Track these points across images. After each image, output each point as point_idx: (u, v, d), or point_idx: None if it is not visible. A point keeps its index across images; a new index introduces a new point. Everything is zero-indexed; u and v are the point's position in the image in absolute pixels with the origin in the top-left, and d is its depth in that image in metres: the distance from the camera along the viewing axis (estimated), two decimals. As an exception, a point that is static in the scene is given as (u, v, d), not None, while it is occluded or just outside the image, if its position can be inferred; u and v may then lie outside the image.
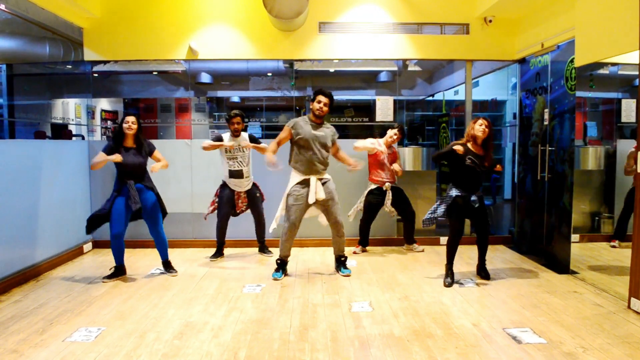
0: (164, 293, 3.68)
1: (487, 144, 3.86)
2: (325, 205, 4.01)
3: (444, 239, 5.07)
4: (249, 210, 4.72)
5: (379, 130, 5.34)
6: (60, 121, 5.43)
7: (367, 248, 5.08)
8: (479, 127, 3.79)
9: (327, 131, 4.03)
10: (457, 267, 4.40)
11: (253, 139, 4.56)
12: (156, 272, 4.24)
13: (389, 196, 4.78)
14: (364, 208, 4.85)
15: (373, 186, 4.83)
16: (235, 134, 4.49)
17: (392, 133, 4.82)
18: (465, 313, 3.23)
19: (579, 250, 4.72)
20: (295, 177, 3.97)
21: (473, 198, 3.82)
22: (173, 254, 4.90)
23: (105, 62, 5.28)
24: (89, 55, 5.13)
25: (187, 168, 5.24)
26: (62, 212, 4.65)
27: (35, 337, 2.85)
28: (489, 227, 4.01)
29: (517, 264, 4.56)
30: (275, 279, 4.00)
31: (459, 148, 3.75)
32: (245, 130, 4.68)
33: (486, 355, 2.60)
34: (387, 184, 4.78)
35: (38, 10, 4.39)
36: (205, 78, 6.18)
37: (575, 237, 4.58)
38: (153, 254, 4.16)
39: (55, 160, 4.58)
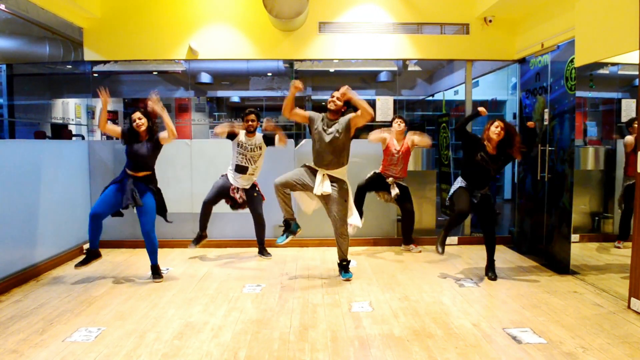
0: (164, 293, 3.68)
1: (502, 147, 3.88)
2: (327, 202, 3.96)
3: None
4: (248, 211, 4.71)
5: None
6: (60, 121, 5.44)
7: (363, 248, 5.07)
8: (494, 129, 3.85)
9: (341, 124, 3.89)
10: (457, 267, 4.41)
11: (267, 138, 4.55)
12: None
13: (394, 189, 4.74)
14: (366, 180, 4.85)
15: (379, 171, 4.85)
16: (249, 130, 4.52)
17: (395, 125, 4.82)
18: (465, 313, 3.23)
19: (579, 250, 4.72)
20: (311, 163, 4.01)
21: (475, 194, 3.88)
22: (173, 254, 4.91)
23: (105, 62, 5.27)
24: (89, 55, 5.13)
25: (187, 168, 5.24)
26: (62, 212, 4.65)
27: (35, 337, 2.85)
28: (494, 227, 4.01)
29: (517, 264, 4.56)
30: (279, 245, 4.05)
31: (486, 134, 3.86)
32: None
33: (486, 355, 2.60)
34: (390, 178, 4.77)
35: (38, 10, 4.39)
36: (205, 78, 6.19)
37: (575, 237, 4.58)
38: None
39: (55, 160, 4.58)
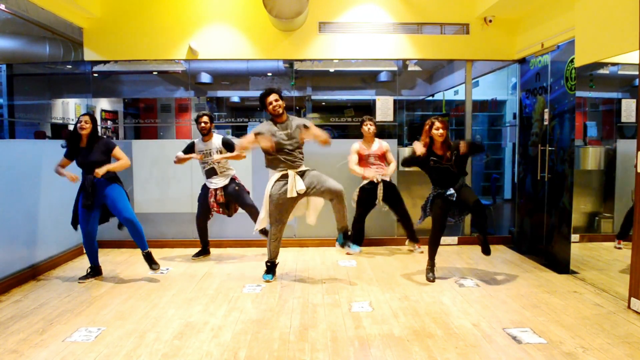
0: (164, 293, 3.68)
1: (447, 144, 3.92)
2: (311, 190, 3.86)
3: (444, 239, 5.06)
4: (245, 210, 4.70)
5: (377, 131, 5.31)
6: (60, 121, 5.43)
7: (363, 248, 5.07)
8: (435, 132, 3.88)
9: (293, 125, 3.91)
10: (457, 267, 4.41)
11: (226, 143, 4.52)
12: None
13: (380, 189, 4.69)
14: (357, 203, 4.82)
15: (365, 182, 4.78)
16: (203, 133, 4.52)
17: (365, 128, 4.80)
18: (465, 313, 3.23)
19: (579, 250, 4.72)
20: (274, 176, 3.91)
21: (449, 192, 3.88)
22: (173, 254, 4.91)
23: (105, 62, 5.28)
24: (89, 55, 5.13)
25: (187, 168, 5.23)
26: (62, 212, 4.63)
27: (35, 337, 2.85)
28: (477, 199, 3.94)
29: (517, 264, 4.56)
30: (267, 281, 3.97)
31: (421, 151, 3.88)
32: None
33: (486, 355, 2.60)
34: (378, 176, 4.73)
35: (38, 10, 4.39)
36: (205, 78, 6.18)
37: (575, 237, 4.57)
38: (153, 254, 4.15)
39: (55, 160, 4.56)
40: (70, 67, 5.31)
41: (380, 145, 4.83)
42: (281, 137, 3.86)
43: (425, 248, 5.02)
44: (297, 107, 5.88)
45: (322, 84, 6.23)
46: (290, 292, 3.71)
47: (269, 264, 4.05)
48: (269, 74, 5.89)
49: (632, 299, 3.24)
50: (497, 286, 3.83)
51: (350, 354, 2.63)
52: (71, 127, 5.47)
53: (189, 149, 4.57)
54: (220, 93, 6.76)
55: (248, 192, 4.67)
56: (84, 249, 4.00)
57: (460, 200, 3.94)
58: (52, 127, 5.36)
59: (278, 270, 4.19)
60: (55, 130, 5.37)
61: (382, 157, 4.84)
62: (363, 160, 4.82)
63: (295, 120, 3.97)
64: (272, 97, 3.86)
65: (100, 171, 3.79)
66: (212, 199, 4.53)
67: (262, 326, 3.02)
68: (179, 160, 4.53)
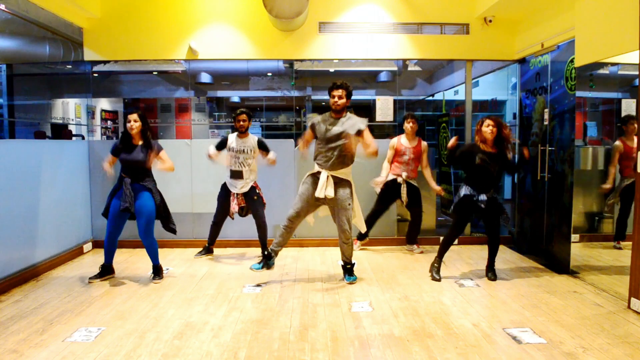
0: (164, 293, 3.68)
1: (500, 142, 3.87)
2: (332, 207, 3.88)
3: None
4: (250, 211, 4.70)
5: (377, 131, 5.32)
6: (60, 121, 5.43)
7: (367, 247, 5.07)
8: (486, 129, 3.85)
9: (347, 124, 3.78)
10: (457, 267, 4.41)
11: (262, 144, 4.49)
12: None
13: (403, 189, 4.76)
14: (378, 197, 4.88)
15: (390, 177, 4.84)
16: (241, 131, 4.47)
17: (407, 125, 4.83)
18: (465, 313, 3.23)
19: (579, 250, 4.72)
20: (313, 169, 3.90)
21: (482, 198, 3.86)
22: (173, 254, 4.91)
23: (105, 62, 5.28)
24: (89, 55, 5.13)
25: (187, 168, 5.24)
26: (62, 212, 4.65)
27: (35, 337, 2.85)
28: (499, 230, 4.02)
29: (517, 264, 4.56)
30: (251, 269, 3.94)
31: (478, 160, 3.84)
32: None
33: (486, 355, 2.60)
34: (403, 174, 4.78)
35: (38, 10, 4.39)
36: (205, 78, 6.19)
37: (575, 237, 4.57)
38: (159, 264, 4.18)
39: (55, 160, 4.58)
40: (70, 67, 5.31)
41: (419, 144, 4.85)
42: (326, 129, 3.80)
43: (424, 248, 5.06)
44: (297, 107, 5.88)
45: (322, 84, 6.24)
46: (290, 292, 3.71)
47: (265, 252, 4.02)
48: (269, 74, 5.90)
49: (632, 299, 3.24)
50: (497, 286, 3.83)
51: (350, 354, 2.63)
52: (71, 127, 5.48)
53: (222, 145, 4.52)
54: (220, 93, 6.76)
55: (264, 204, 4.61)
56: (104, 246, 3.96)
57: (485, 214, 3.93)
58: (52, 127, 5.36)
59: (278, 270, 4.19)
60: (55, 130, 5.37)
61: (418, 159, 4.84)
62: (398, 156, 4.83)
63: (351, 120, 3.80)
64: (336, 92, 3.81)
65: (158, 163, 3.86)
66: (234, 203, 4.48)
67: (262, 326, 3.02)
68: (210, 157, 4.50)
